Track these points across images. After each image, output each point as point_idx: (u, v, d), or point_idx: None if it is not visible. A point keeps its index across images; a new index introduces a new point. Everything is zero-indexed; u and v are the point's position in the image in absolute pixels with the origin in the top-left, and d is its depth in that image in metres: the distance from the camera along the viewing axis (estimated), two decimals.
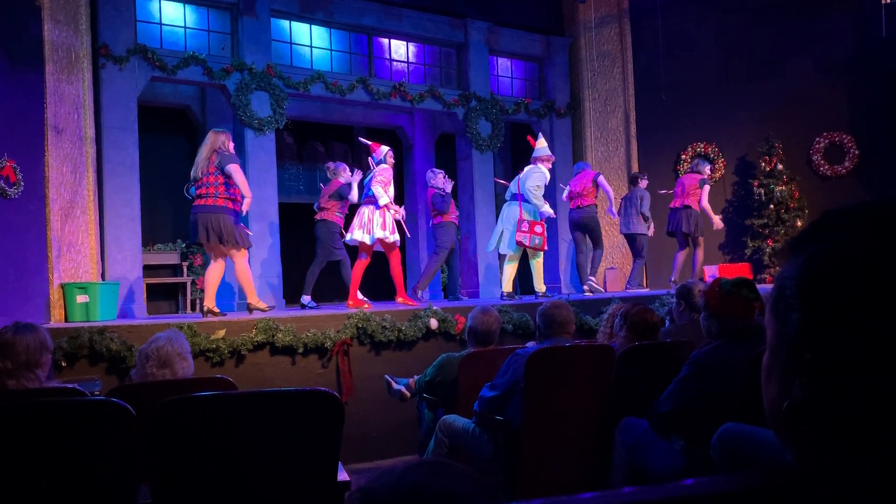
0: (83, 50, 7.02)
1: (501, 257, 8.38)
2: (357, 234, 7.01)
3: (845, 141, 10.70)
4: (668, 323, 4.90)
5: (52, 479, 2.12)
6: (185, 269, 9.45)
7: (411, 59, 9.96)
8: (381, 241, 7.00)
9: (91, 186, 6.99)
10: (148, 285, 8.59)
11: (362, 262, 7.18)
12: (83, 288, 6.37)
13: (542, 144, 8.01)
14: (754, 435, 2.33)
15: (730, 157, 10.94)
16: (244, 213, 6.05)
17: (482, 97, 10.04)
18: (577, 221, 8.42)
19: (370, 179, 7.12)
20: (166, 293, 9.51)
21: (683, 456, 3.03)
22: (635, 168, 10.69)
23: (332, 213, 7.68)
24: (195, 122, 9.61)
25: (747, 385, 2.56)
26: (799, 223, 10.51)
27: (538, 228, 7.53)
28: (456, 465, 0.65)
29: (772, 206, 10.61)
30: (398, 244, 7.19)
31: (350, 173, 7.74)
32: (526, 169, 7.86)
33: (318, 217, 7.76)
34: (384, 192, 6.95)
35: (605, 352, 3.50)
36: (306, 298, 7.62)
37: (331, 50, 9.29)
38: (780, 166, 10.64)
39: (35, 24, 6.47)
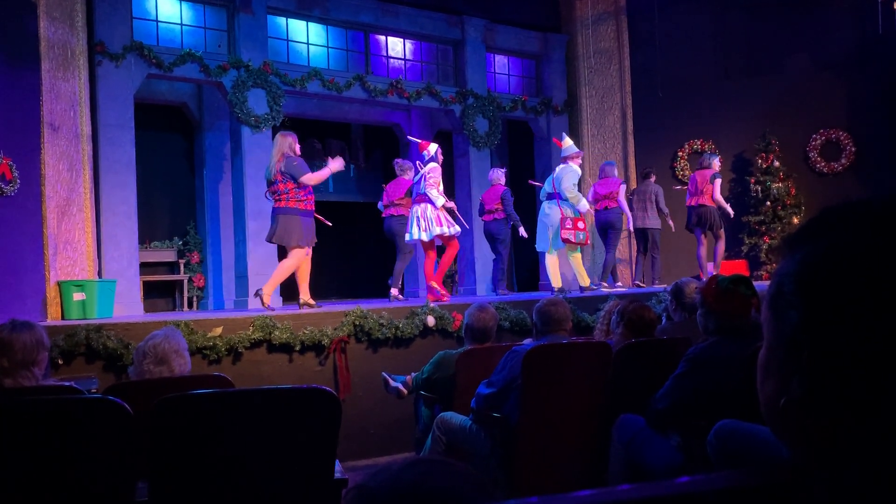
0: (79, 47, 7.00)
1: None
2: (415, 233, 7.19)
3: (842, 138, 10.71)
4: (664, 320, 4.90)
5: (50, 478, 2.12)
6: (181, 267, 9.44)
7: (408, 56, 9.95)
8: (439, 236, 7.21)
9: (87, 184, 6.97)
10: (145, 283, 8.58)
11: (431, 258, 7.42)
12: (80, 285, 6.36)
13: (568, 143, 8.20)
14: (750, 431, 2.33)
15: (727, 154, 10.95)
16: (335, 169, 6.43)
17: (479, 94, 10.03)
18: (602, 222, 8.60)
19: (421, 180, 7.26)
20: (163, 291, 9.51)
21: (680, 452, 3.03)
22: (632, 165, 10.71)
23: (405, 209, 7.77)
24: (192, 120, 9.60)
25: (744, 382, 2.56)
26: (795, 220, 10.54)
27: (581, 224, 7.80)
28: (454, 463, 0.65)
29: (768, 202, 10.64)
30: (457, 235, 7.39)
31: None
32: (558, 168, 8.04)
33: (392, 213, 7.75)
34: (438, 193, 7.16)
35: (601, 349, 3.50)
36: (394, 291, 7.55)
37: (327, 47, 9.28)
38: (776, 163, 10.67)
39: (31, 21, 6.45)
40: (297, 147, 6.36)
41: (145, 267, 8.68)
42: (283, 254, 8.49)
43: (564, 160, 8.05)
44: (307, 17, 9.09)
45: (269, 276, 8.13)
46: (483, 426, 3.54)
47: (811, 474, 0.65)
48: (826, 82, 10.72)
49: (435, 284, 7.30)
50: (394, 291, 7.35)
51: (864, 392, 0.61)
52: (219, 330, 5.30)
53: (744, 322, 2.95)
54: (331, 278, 10.66)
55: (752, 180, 10.65)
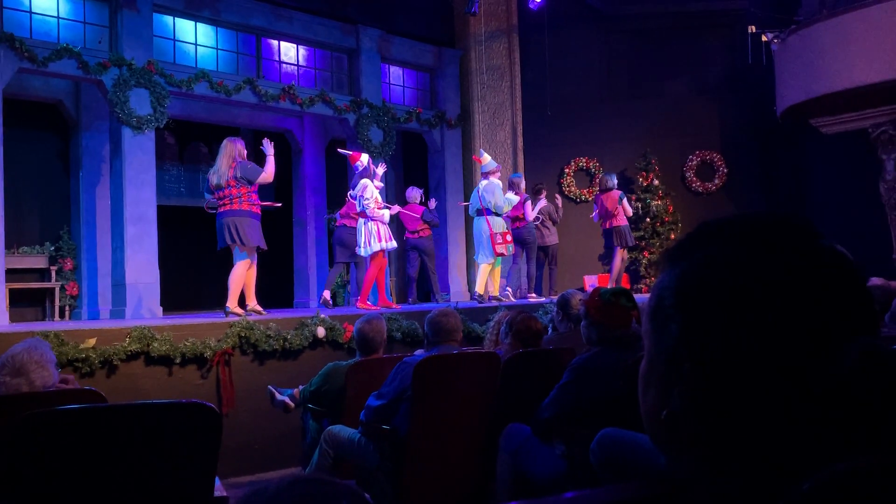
0: None
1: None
2: (362, 249, 7.51)
3: (715, 159, 11.44)
4: (550, 330, 5.02)
5: None
6: (53, 274, 8.86)
7: (302, 62, 9.79)
8: (379, 252, 7.48)
9: None
10: (11, 291, 7.99)
11: (381, 269, 7.70)
12: None
13: (487, 159, 8.59)
14: (632, 440, 2.41)
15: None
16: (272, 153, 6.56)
17: (374, 104, 9.99)
18: (515, 239, 8.87)
19: (358, 197, 7.49)
20: (32, 299, 8.88)
21: (564, 460, 3.10)
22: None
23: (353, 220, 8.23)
24: (68, 119, 9.05)
25: (626, 391, 2.65)
26: (673, 236, 11.12)
27: (509, 237, 8.37)
28: (335, 483, 0.62)
29: (648, 219, 11.19)
30: (389, 252, 7.70)
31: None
32: (482, 185, 8.37)
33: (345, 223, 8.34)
34: (380, 210, 7.46)
35: (490, 359, 3.54)
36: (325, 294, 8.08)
37: (217, 49, 9.00)
38: (656, 182, 11.25)
39: None
40: (245, 153, 6.48)
41: (12, 274, 8.09)
42: (166, 261, 8.14)
43: (485, 175, 8.39)
44: (196, 18, 8.78)
45: (148, 285, 7.81)
46: (372, 439, 3.49)
47: (690, 484, 0.67)
48: (702, 107, 11.41)
49: (364, 302, 7.63)
50: (325, 294, 7.85)
51: (742, 402, 0.63)
52: (92, 341, 5.00)
53: (625, 333, 3.07)
54: (212, 288, 10.29)
55: (633, 197, 11.15)
